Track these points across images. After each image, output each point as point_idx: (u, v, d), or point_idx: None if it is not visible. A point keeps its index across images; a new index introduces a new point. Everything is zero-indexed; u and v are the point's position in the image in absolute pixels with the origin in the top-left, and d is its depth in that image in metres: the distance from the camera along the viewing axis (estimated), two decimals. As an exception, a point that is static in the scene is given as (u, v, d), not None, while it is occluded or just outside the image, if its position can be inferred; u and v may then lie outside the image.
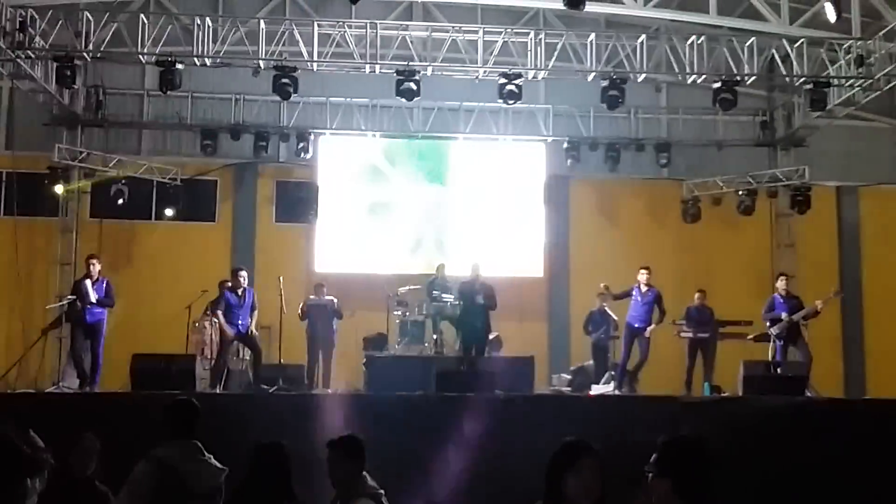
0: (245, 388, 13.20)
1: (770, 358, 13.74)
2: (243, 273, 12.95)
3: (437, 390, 11.53)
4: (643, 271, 13.88)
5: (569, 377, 15.20)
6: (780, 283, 14.13)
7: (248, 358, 13.75)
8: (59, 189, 16.18)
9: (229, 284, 12.89)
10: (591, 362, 15.05)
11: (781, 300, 13.93)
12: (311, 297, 14.35)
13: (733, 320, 14.43)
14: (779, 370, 12.81)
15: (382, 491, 5.23)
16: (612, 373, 14.07)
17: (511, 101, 14.97)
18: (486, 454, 10.18)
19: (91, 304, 12.86)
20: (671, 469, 3.48)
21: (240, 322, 12.64)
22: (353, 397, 12.16)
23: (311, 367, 14.04)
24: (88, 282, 13.06)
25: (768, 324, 13.93)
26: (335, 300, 14.35)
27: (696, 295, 14.52)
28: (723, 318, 14.49)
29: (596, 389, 13.79)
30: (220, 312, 12.61)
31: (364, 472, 5.24)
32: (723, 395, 13.11)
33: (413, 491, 9.35)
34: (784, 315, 13.76)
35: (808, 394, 12.44)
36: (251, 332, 12.75)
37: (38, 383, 13.32)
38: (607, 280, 15.76)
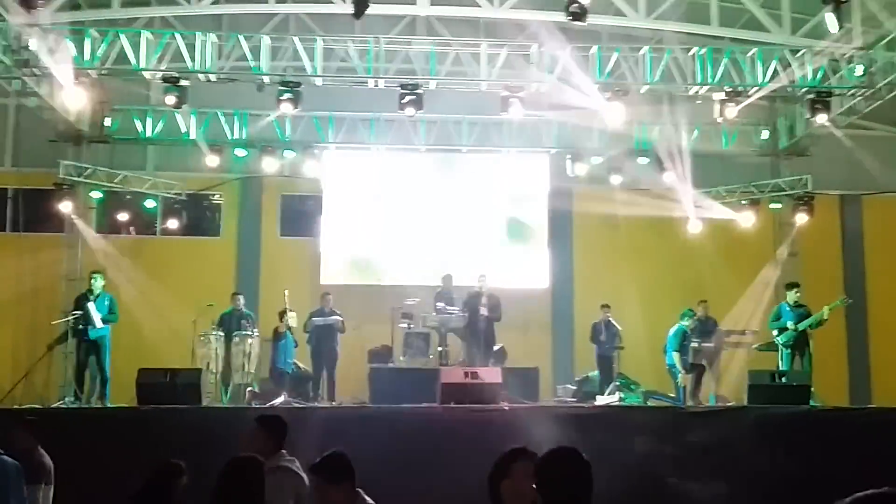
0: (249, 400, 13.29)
1: (776, 367, 13.77)
2: (291, 313, 13.54)
3: (441, 402, 11.55)
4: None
5: (573, 388, 15.20)
6: (792, 294, 14.10)
7: (252, 371, 13.82)
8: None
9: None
10: (596, 373, 15.06)
11: (788, 309, 13.95)
12: (315, 318, 14.39)
13: (738, 330, 14.43)
14: (783, 379, 12.83)
15: None
16: (617, 383, 14.08)
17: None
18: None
19: (94, 326, 12.99)
20: (542, 481, 3.53)
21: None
22: (358, 409, 12.20)
23: (316, 379, 14.11)
24: (90, 305, 13.15)
25: (775, 332, 13.94)
26: (340, 319, 14.39)
27: (700, 305, 14.54)
28: (727, 327, 14.50)
29: (601, 400, 13.79)
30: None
31: (358, 490, 4.87)
32: (728, 404, 13.11)
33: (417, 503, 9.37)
34: (790, 324, 13.79)
35: (813, 403, 12.44)
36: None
37: (44, 398, 13.36)
38: (611, 291, 15.83)
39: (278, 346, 13.87)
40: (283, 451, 5.91)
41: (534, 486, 3.56)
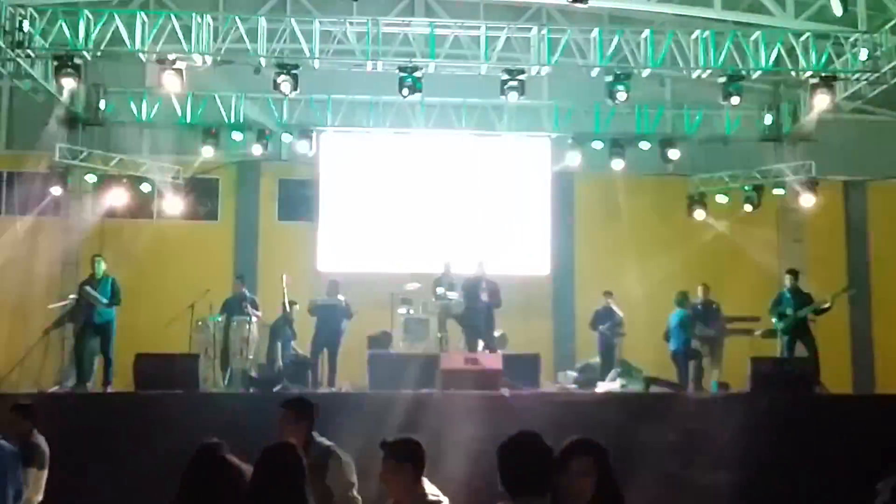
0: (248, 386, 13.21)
1: (778, 354, 13.67)
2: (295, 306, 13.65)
3: (441, 388, 11.44)
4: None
5: (575, 374, 15.09)
6: (791, 281, 14.00)
7: (251, 357, 13.71)
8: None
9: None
10: (598, 359, 14.96)
11: (789, 295, 13.83)
12: (319, 298, 14.30)
13: (740, 316, 14.33)
14: (786, 366, 12.72)
15: (446, 499, 5.00)
16: (619, 369, 13.98)
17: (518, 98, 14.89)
18: (490, 453, 10.09)
19: (104, 305, 12.86)
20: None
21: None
22: (357, 395, 12.10)
23: (314, 364, 13.99)
24: (88, 287, 13.02)
25: (774, 319, 13.84)
26: (344, 299, 14.26)
27: (700, 289, 14.43)
28: (730, 314, 14.39)
29: (602, 386, 13.69)
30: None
31: (423, 479, 4.97)
32: (730, 391, 13.00)
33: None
34: (789, 311, 13.68)
35: (816, 390, 12.34)
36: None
37: (41, 383, 13.27)
38: (612, 276, 15.71)
39: (277, 336, 13.83)
40: (315, 432, 5.98)
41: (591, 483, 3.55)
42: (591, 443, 3.69)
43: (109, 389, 12.69)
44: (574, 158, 17.22)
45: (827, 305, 13.77)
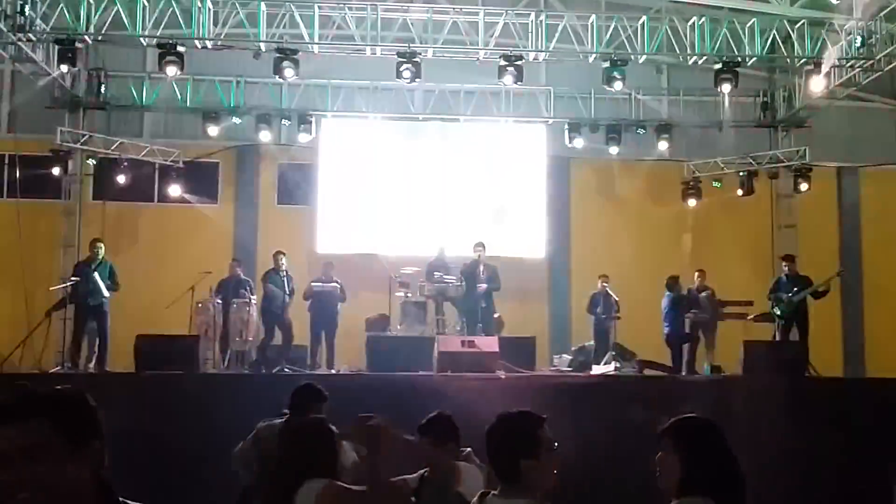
0: (249, 368, 13.36)
1: (772, 338, 13.84)
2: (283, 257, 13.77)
3: (438, 371, 11.59)
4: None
5: (570, 357, 15.24)
6: (785, 266, 14.17)
7: (251, 339, 13.85)
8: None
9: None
10: (592, 342, 15.10)
11: (787, 280, 14.00)
12: (315, 283, 14.39)
13: (734, 301, 14.48)
14: (778, 350, 12.88)
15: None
16: (613, 353, 14.14)
17: (515, 83, 14.99)
18: (484, 434, 10.24)
19: (97, 288, 12.96)
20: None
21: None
22: (355, 377, 12.27)
23: (313, 348, 14.15)
24: (96, 274, 13.14)
25: (772, 303, 14.01)
26: (339, 285, 14.38)
27: (696, 275, 14.59)
28: (723, 298, 14.55)
29: (597, 369, 13.85)
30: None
31: (468, 449, 4.91)
32: (723, 374, 13.17)
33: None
34: (785, 296, 13.84)
35: (808, 374, 12.50)
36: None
37: (43, 364, 13.40)
38: (607, 261, 15.85)
39: (267, 286, 13.92)
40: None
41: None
42: (680, 420, 3.40)
43: (106, 369, 12.83)
44: (578, 144, 17.35)
45: (823, 288, 13.93)
